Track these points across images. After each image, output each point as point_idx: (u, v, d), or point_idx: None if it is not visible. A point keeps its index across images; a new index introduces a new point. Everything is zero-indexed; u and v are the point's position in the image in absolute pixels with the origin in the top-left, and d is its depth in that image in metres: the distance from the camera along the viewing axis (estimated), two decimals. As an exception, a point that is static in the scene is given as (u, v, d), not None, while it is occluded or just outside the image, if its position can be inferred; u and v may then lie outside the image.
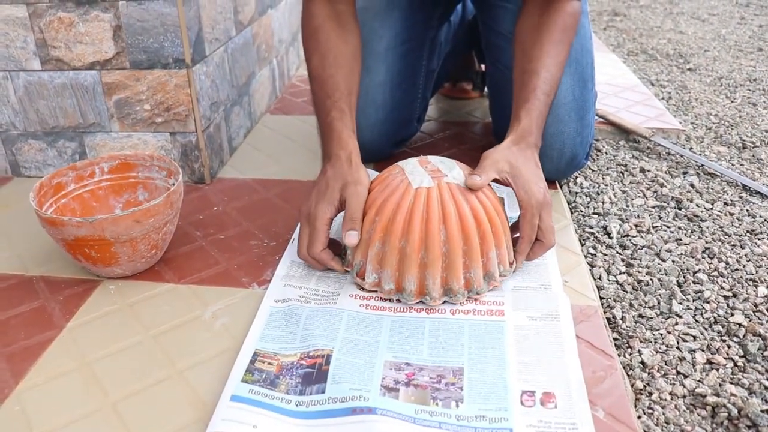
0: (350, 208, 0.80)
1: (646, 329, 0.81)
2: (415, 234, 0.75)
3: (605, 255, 0.96)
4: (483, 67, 1.54)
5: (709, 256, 0.96)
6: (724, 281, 0.90)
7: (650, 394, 0.71)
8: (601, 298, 0.87)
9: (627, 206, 1.10)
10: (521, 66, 0.91)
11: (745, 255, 0.96)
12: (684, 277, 0.91)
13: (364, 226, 0.79)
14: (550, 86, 0.89)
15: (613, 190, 1.15)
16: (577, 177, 1.20)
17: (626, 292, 0.88)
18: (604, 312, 0.84)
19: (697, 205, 1.10)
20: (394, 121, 1.17)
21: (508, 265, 0.82)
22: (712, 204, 1.11)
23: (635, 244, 0.98)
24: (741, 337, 0.80)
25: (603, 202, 1.11)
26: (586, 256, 0.96)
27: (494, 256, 0.79)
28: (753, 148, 1.33)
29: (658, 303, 0.86)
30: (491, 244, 0.78)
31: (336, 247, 0.87)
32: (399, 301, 0.80)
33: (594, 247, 0.98)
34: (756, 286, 0.88)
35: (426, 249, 0.76)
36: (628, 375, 0.74)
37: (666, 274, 0.91)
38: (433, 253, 0.76)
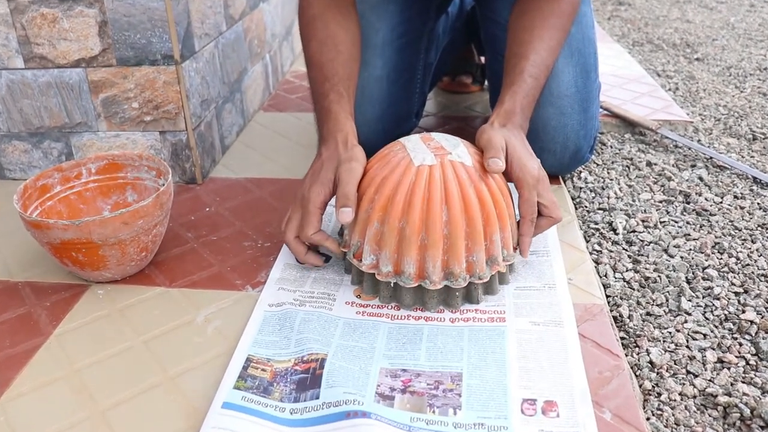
0: (343, 184, 0.78)
1: (654, 328, 0.81)
2: (416, 214, 0.74)
3: (611, 252, 0.96)
4: (483, 59, 1.53)
5: (719, 252, 0.96)
6: (734, 277, 0.90)
7: (659, 394, 0.71)
8: (607, 296, 0.86)
9: (633, 201, 1.09)
10: (511, 50, 0.92)
11: (757, 250, 0.95)
12: (693, 274, 0.90)
13: (362, 205, 0.78)
14: (539, 70, 0.89)
15: (619, 184, 1.15)
16: (581, 171, 1.20)
17: (633, 289, 0.88)
18: (611, 310, 0.84)
19: (706, 199, 1.09)
20: (392, 117, 1.17)
21: (512, 249, 0.81)
22: (722, 197, 1.10)
23: (642, 240, 0.98)
24: (753, 334, 0.79)
25: (608, 197, 1.11)
26: (591, 253, 0.95)
27: (498, 240, 0.78)
28: (763, 139, 1.33)
29: (667, 300, 0.85)
30: (495, 226, 0.77)
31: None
32: (396, 284, 0.78)
33: (599, 244, 0.98)
34: (768, 282, 0.88)
35: (426, 230, 0.74)
36: (636, 375, 0.74)
37: (674, 271, 0.91)
38: (434, 235, 0.74)
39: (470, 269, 0.77)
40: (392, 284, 0.79)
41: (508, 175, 0.81)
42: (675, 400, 0.70)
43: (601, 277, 0.90)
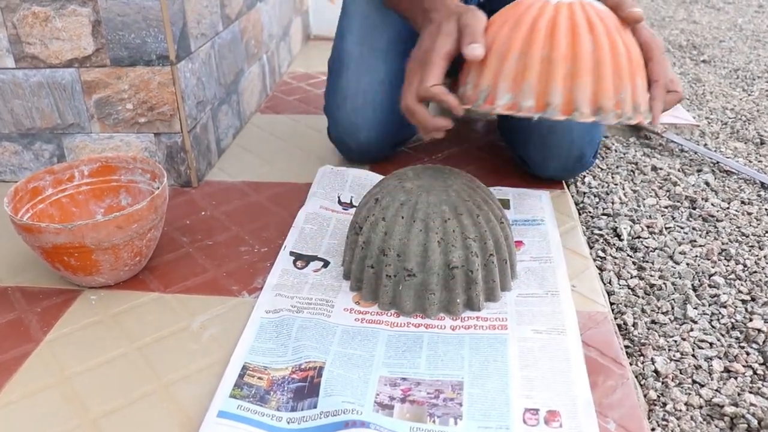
0: (470, 27, 0.74)
1: (659, 336, 0.81)
2: (561, 41, 0.70)
3: (615, 258, 0.96)
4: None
5: (725, 258, 0.96)
6: (741, 284, 0.90)
7: (664, 404, 0.71)
8: (612, 304, 0.87)
9: (638, 206, 1.10)
10: None
11: (765, 256, 0.96)
12: (699, 281, 0.91)
13: (494, 46, 0.73)
14: None
15: (624, 189, 1.15)
16: (585, 176, 1.20)
17: (638, 297, 0.88)
18: (615, 318, 0.84)
19: (712, 205, 1.10)
20: (394, 122, 1.17)
21: (648, 110, 0.76)
22: (729, 203, 1.11)
23: (647, 246, 0.98)
24: (760, 343, 0.79)
25: (613, 203, 1.11)
26: (595, 260, 0.96)
27: (641, 86, 0.74)
28: (771, 143, 1.33)
29: (672, 308, 0.86)
30: (639, 70, 0.73)
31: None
32: (540, 120, 0.73)
33: (603, 250, 0.98)
34: (776, 290, 0.89)
35: (574, 58, 0.70)
36: (641, 384, 0.74)
37: (680, 278, 0.91)
38: (583, 62, 0.70)
39: (618, 107, 0.73)
40: (392, 288, 0.80)
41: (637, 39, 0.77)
42: (681, 411, 0.70)
43: (605, 284, 0.91)
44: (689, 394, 0.72)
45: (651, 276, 0.92)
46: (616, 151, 1.31)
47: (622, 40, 0.73)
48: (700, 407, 0.71)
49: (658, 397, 0.72)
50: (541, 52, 0.71)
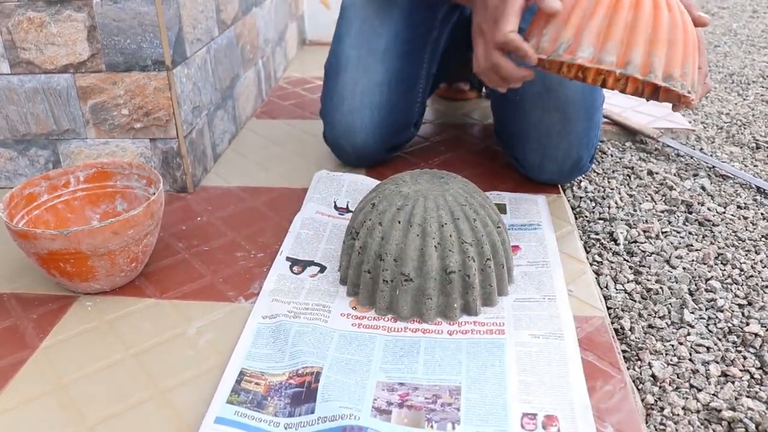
0: None
1: (656, 340, 0.81)
2: (645, 12, 0.76)
3: (612, 262, 0.97)
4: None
5: (722, 263, 0.96)
6: (738, 289, 0.90)
7: (662, 409, 0.71)
8: (608, 308, 0.87)
9: (634, 211, 1.10)
10: None
11: (761, 261, 0.96)
12: (696, 285, 0.91)
13: (579, 3, 0.77)
14: None
15: (620, 194, 1.16)
16: (581, 181, 1.20)
17: (635, 301, 0.88)
18: (612, 323, 0.84)
19: (708, 209, 1.10)
20: (391, 125, 1.17)
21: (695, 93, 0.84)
22: (725, 207, 1.11)
23: (644, 251, 0.99)
24: (757, 347, 0.80)
25: (609, 207, 1.11)
26: (591, 264, 0.96)
27: (697, 67, 0.81)
28: (767, 148, 1.34)
29: (669, 312, 0.86)
30: (697, 54, 0.80)
31: None
32: (620, 76, 0.82)
33: (600, 255, 0.98)
34: (772, 294, 0.89)
35: (654, 27, 0.77)
36: (638, 389, 0.74)
37: (677, 282, 0.91)
38: (661, 32, 0.77)
39: (684, 78, 0.79)
40: (389, 293, 0.80)
41: None
42: (678, 415, 0.70)
43: (601, 288, 0.91)
44: (687, 398, 0.73)
45: (648, 280, 0.92)
46: (612, 155, 1.31)
47: (691, 25, 0.80)
48: (698, 411, 0.71)
49: (656, 401, 0.72)
50: (626, 18, 0.77)
